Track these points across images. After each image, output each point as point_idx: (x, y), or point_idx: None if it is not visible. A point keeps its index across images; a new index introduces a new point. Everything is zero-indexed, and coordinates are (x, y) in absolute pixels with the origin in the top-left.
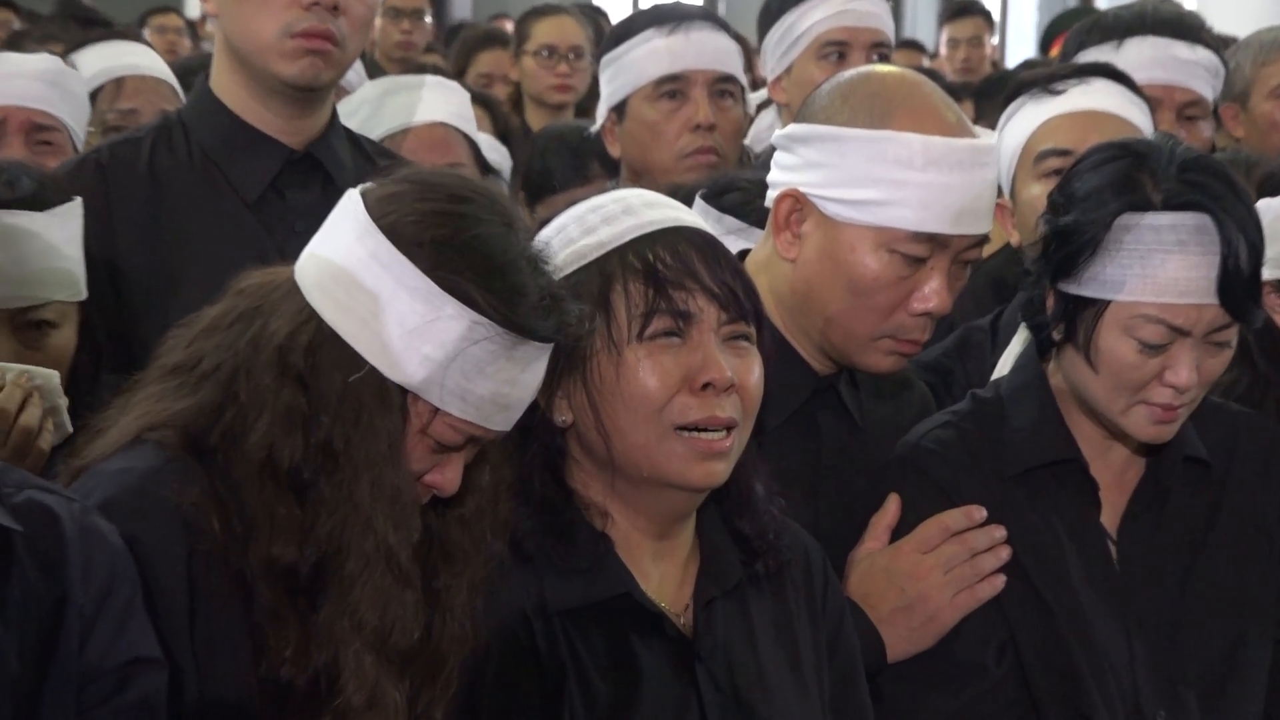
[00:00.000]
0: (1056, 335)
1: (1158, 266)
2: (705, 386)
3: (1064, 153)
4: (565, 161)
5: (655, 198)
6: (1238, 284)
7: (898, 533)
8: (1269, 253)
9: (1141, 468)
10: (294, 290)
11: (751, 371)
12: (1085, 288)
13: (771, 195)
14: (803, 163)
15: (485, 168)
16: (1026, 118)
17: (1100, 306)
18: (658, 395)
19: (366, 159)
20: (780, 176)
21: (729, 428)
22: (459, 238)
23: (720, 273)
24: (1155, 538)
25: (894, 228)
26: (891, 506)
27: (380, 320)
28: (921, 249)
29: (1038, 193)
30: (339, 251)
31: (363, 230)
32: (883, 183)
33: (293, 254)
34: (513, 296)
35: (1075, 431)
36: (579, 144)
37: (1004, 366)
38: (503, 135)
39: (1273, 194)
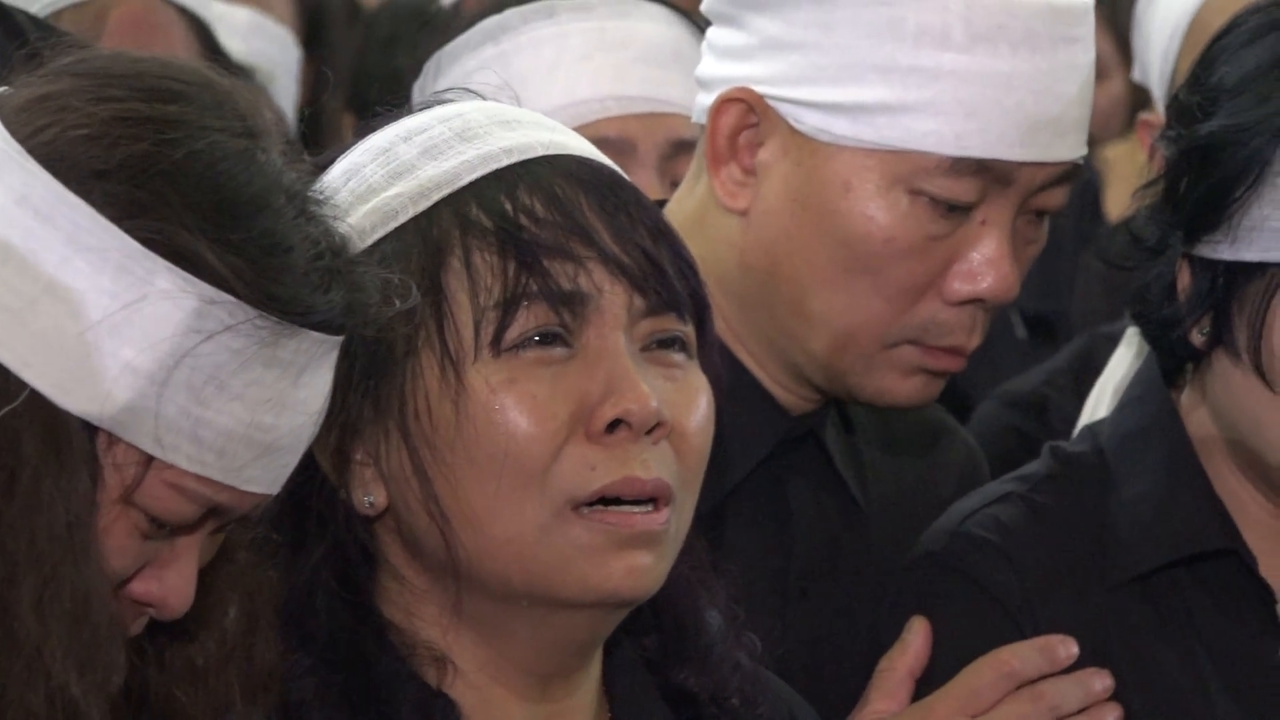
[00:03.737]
0: (1197, 337)
1: None
2: (615, 426)
3: None
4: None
5: (520, 113)
6: None
7: (927, 680)
8: None
9: None
10: None
11: (693, 403)
12: (1247, 245)
13: (704, 102)
14: (757, 43)
15: (223, 64)
16: None
17: (1276, 276)
18: (533, 448)
19: (12, 38)
20: (719, 70)
21: (657, 498)
22: (167, 158)
23: (632, 229)
24: None
25: (918, 150)
26: (916, 638)
27: (42, 309)
28: (966, 188)
29: None
30: None
31: (1, 159)
32: (898, 73)
33: None
34: (268, 254)
35: (1232, 505)
36: (437, 22)
37: (1101, 401)
38: (314, 13)
39: None
